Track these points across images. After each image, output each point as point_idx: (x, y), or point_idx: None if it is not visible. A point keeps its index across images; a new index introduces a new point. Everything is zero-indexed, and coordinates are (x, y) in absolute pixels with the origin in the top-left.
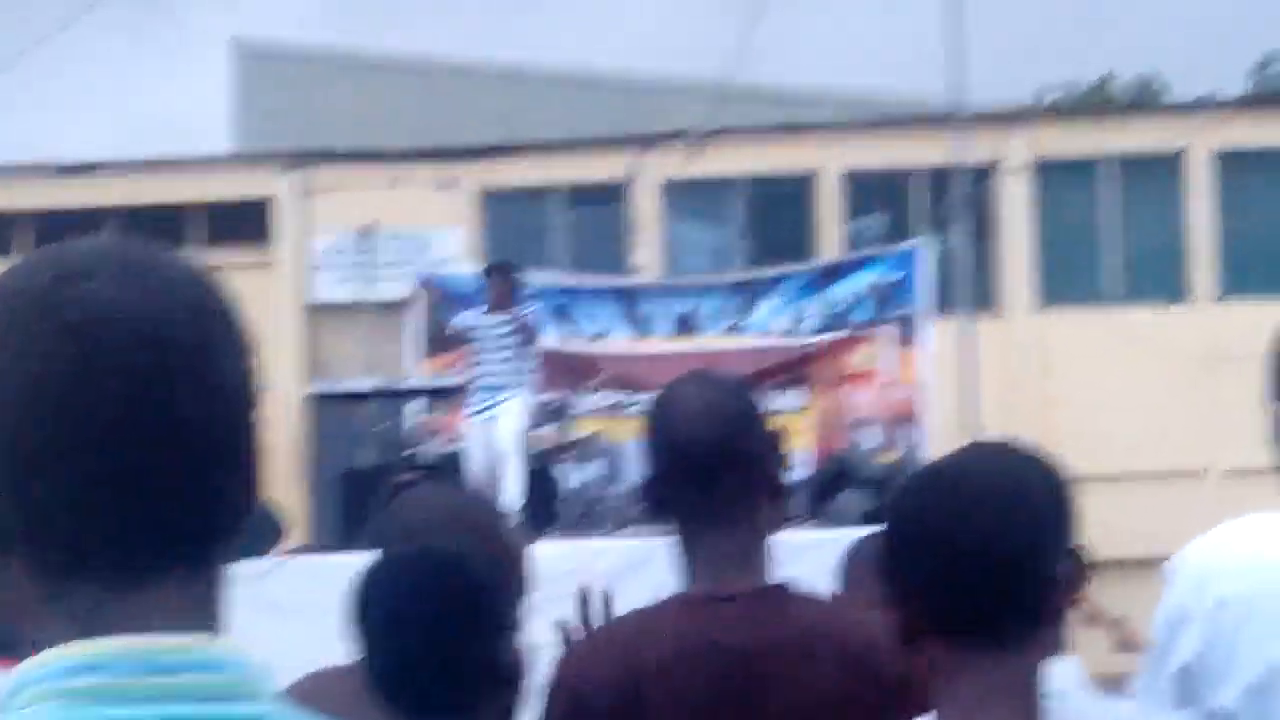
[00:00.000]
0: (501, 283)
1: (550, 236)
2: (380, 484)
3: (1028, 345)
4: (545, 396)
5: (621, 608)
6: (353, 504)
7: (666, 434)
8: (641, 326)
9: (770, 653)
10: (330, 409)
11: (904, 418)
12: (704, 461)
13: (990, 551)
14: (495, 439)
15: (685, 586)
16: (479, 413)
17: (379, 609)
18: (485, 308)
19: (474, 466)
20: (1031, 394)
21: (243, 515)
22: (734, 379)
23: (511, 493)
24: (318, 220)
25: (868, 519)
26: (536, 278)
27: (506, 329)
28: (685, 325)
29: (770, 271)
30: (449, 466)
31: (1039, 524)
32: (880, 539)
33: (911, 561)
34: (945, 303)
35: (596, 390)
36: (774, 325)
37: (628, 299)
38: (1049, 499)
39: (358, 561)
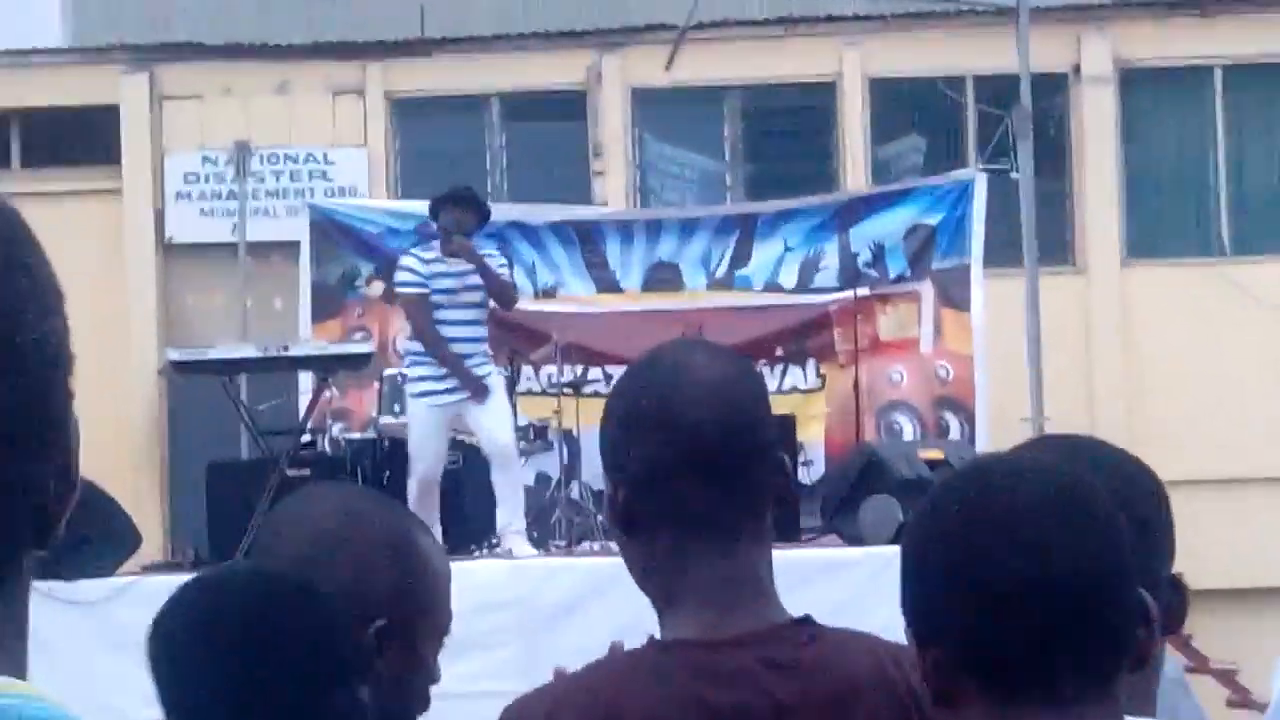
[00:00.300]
0: (465, 216)
1: (484, 160)
2: (261, 483)
3: (1110, 308)
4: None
5: (579, 651)
6: (223, 507)
7: (644, 419)
8: (605, 277)
9: (793, 716)
10: (194, 383)
11: (949, 401)
12: (697, 456)
13: (1051, 582)
14: (486, 438)
15: (669, 625)
16: (434, 394)
17: (167, 656)
18: (435, 251)
19: (419, 466)
20: (1113, 373)
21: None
22: (728, 348)
23: (511, 509)
24: (176, 135)
25: (904, 534)
26: None
27: (475, 281)
28: (662, 275)
29: (773, 206)
30: (355, 463)
31: (1117, 545)
32: (906, 562)
33: (945, 594)
34: (1004, 252)
35: (547, 362)
36: (779, 277)
37: (588, 241)
38: (1134, 512)
39: None
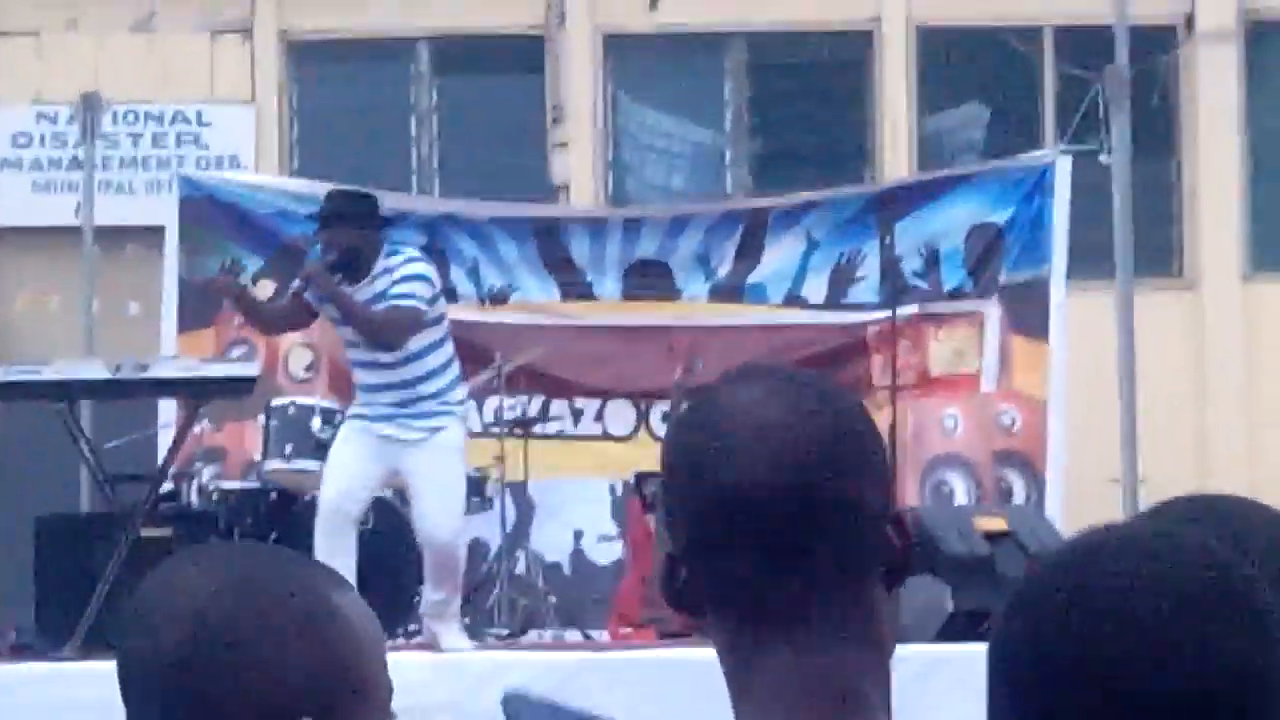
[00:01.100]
0: (348, 233)
1: (407, 123)
2: (107, 544)
3: (1228, 333)
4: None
5: None
6: (56, 575)
7: (683, 475)
8: (571, 280)
9: None
10: (20, 410)
11: (1014, 456)
12: (747, 523)
13: (1188, 695)
14: (418, 513)
15: None
16: (369, 420)
17: None
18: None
19: (327, 490)
20: (1231, 417)
21: None
22: (819, 376)
23: (441, 584)
24: (3, 83)
25: (961, 625)
26: (389, 200)
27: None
28: (647, 278)
29: (790, 197)
30: (231, 519)
31: (1271, 643)
32: (1002, 669)
33: (1046, 709)
34: (1091, 260)
35: (488, 393)
36: (802, 288)
37: (547, 233)
38: None
39: (67, 671)
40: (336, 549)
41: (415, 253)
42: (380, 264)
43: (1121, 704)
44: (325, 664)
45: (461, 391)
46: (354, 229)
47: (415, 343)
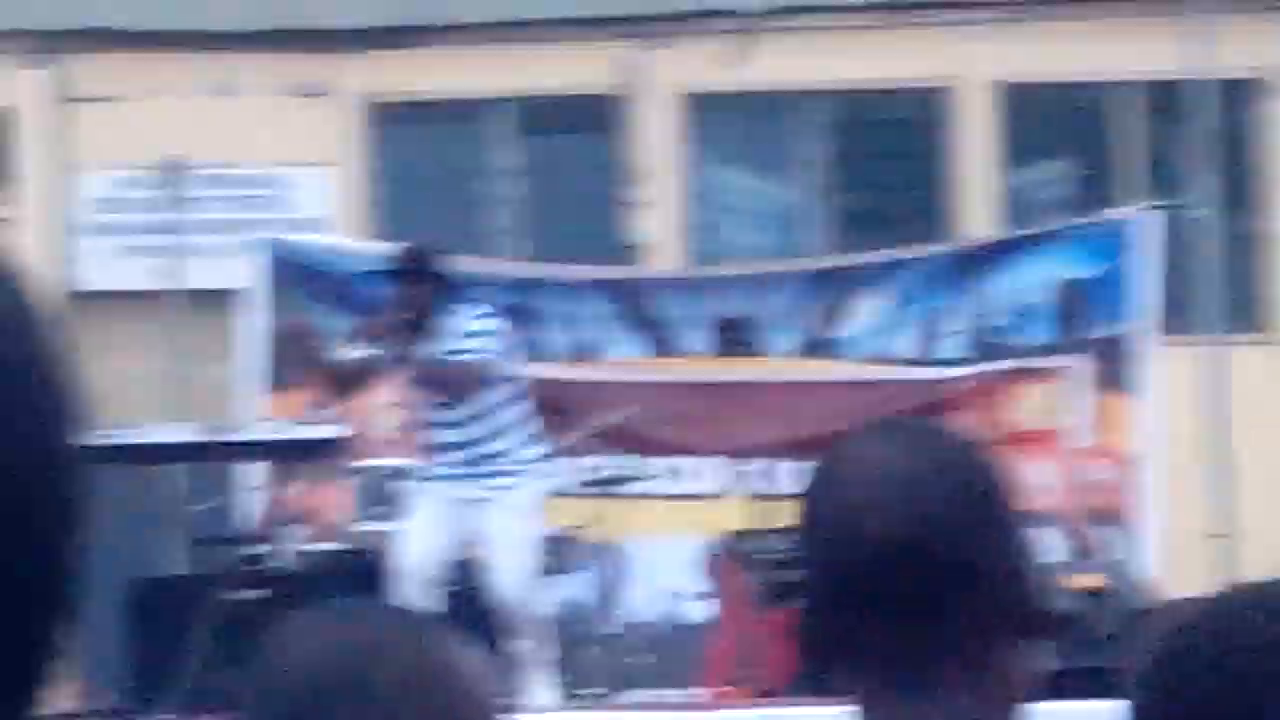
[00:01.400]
0: (414, 291)
1: (487, 183)
2: (199, 605)
3: None
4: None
5: None
6: (151, 638)
7: (809, 529)
8: (660, 336)
9: None
10: (108, 474)
11: (1105, 514)
12: (865, 580)
13: None
14: (491, 568)
15: None
16: (442, 480)
17: None
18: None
19: (402, 561)
20: None
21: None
22: (954, 431)
23: (516, 637)
24: (84, 146)
25: (1054, 684)
26: (466, 264)
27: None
28: (729, 338)
29: (876, 256)
30: (322, 581)
31: None
32: None
33: None
34: (1179, 316)
35: (576, 452)
36: (883, 345)
37: (634, 294)
38: None
39: None
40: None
41: (486, 308)
42: (448, 319)
43: None
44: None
45: (535, 450)
46: (418, 285)
47: (486, 399)
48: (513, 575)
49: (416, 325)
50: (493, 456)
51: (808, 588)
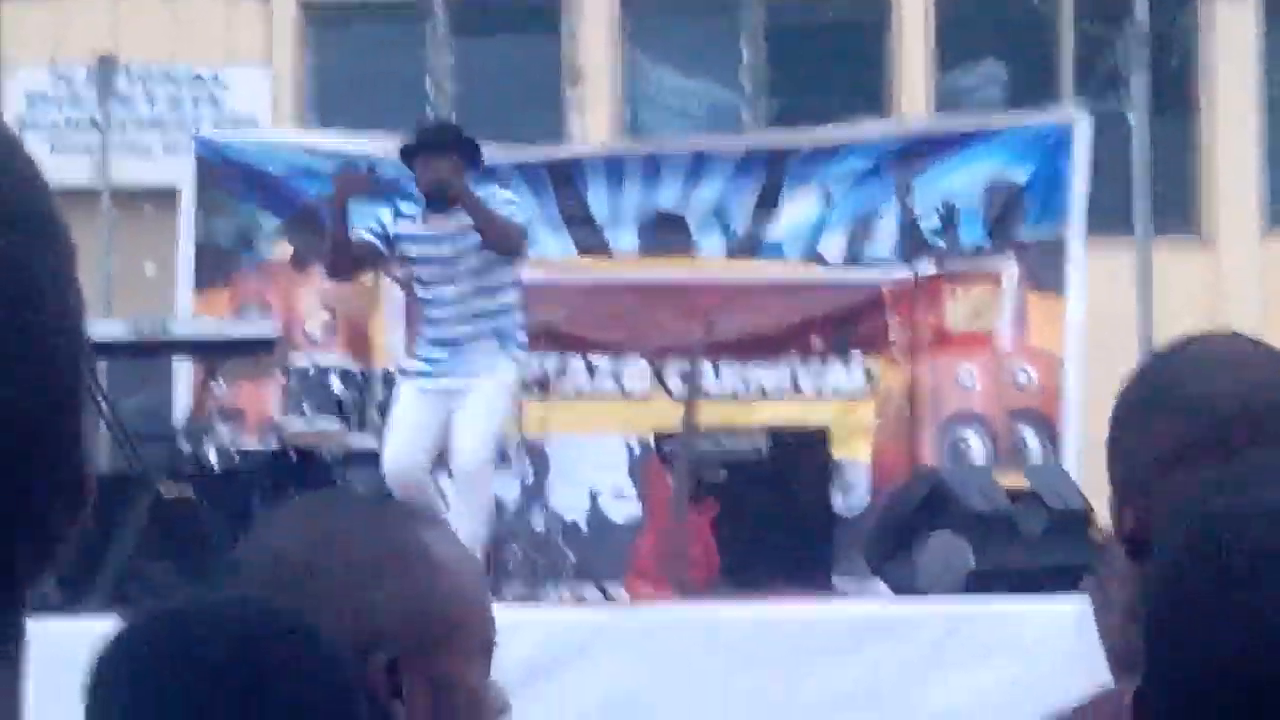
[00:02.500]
0: (444, 163)
1: (423, 85)
2: (126, 504)
3: (1247, 291)
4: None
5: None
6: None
7: (1141, 408)
8: (588, 234)
9: None
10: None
11: (1030, 413)
12: (1210, 441)
13: None
14: (452, 446)
15: None
16: (415, 375)
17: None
18: (419, 207)
19: (384, 456)
20: None
21: (56, 543)
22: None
23: (469, 528)
24: (18, 44)
25: (983, 582)
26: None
27: (463, 241)
28: (665, 234)
29: (809, 138)
30: (250, 480)
31: None
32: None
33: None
34: (1110, 218)
35: None
36: (820, 245)
37: (564, 184)
38: None
39: (87, 628)
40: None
41: (508, 193)
42: (478, 190)
43: None
44: (413, 600)
45: (523, 335)
46: (448, 158)
47: (506, 274)
48: (477, 442)
49: (439, 197)
50: (495, 334)
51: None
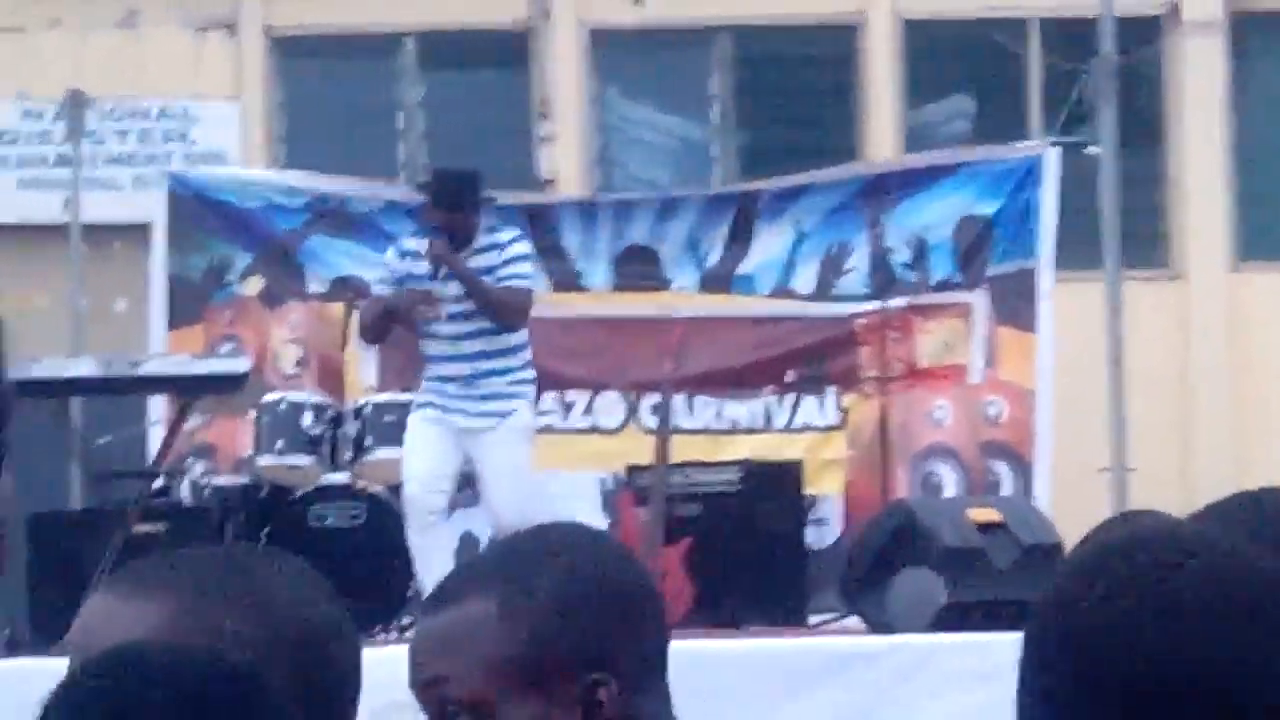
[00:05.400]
0: (453, 215)
1: (393, 120)
2: (100, 541)
3: (1215, 324)
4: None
5: None
6: (50, 573)
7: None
8: (561, 269)
9: None
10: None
11: (1000, 447)
12: None
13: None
14: (494, 509)
15: None
16: (430, 408)
17: None
18: (421, 241)
19: (405, 488)
20: (1220, 409)
21: None
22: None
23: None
24: None
25: (954, 616)
26: (384, 192)
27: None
28: (636, 267)
29: (777, 183)
30: (224, 515)
31: None
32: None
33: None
34: (1078, 252)
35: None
36: (792, 280)
37: (539, 219)
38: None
39: (60, 668)
40: (430, 544)
41: (517, 231)
42: (485, 239)
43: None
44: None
45: (532, 371)
46: (459, 210)
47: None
48: (513, 499)
49: (458, 249)
50: (500, 374)
51: None
